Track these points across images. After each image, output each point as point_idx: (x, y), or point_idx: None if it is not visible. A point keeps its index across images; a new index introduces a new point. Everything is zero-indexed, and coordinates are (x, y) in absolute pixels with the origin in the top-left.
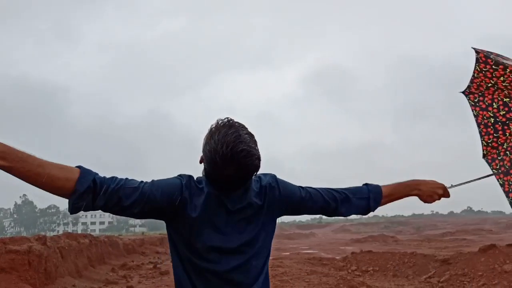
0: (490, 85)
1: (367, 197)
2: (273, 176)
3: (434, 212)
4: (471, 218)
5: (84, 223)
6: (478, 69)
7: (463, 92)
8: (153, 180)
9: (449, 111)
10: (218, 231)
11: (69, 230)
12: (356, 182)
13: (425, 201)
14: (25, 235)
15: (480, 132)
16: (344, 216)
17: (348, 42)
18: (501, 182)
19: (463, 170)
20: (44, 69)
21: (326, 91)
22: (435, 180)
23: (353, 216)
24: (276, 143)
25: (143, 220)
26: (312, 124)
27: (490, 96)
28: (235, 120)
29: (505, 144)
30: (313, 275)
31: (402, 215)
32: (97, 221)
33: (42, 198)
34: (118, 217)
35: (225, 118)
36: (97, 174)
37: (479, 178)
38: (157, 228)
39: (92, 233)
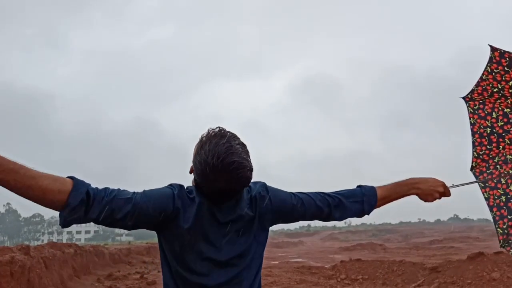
0: (495, 90)
1: (361, 201)
2: (263, 185)
3: (421, 220)
4: (458, 225)
5: (69, 232)
6: (489, 70)
7: (463, 98)
8: (144, 191)
9: (433, 119)
10: (209, 243)
11: (54, 239)
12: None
13: (425, 201)
14: (9, 244)
15: (473, 142)
16: (338, 221)
17: (335, 52)
18: (486, 196)
19: (449, 178)
20: (31, 76)
21: (313, 100)
22: (435, 178)
23: (341, 224)
24: (263, 151)
25: None
26: (299, 133)
27: (491, 105)
28: (227, 129)
29: (496, 158)
30: (302, 284)
31: (390, 223)
32: (82, 230)
33: (26, 207)
34: (104, 226)
35: (216, 128)
36: (89, 185)
37: (481, 181)
38: (143, 237)
39: (77, 243)
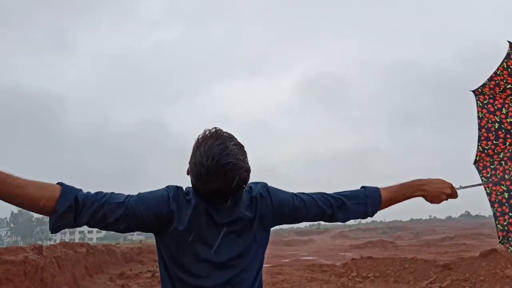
0: (509, 86)
1: (364, 203)
2: (264, 185)
3: (432, 217)
4: (469, 222)
5: (81, 232)
6: (505, 66)
7: (473, 91)
8: (139, 193)
9: (441, 115)
10: (206, 245)
11: (66, 239)
12: (351, 188)
13: (431, 202)
14: (22, 244)
15: (479, 136)
16: (341, 222)
17: (341, 50)
18: (489, 191)
19: (457, 176)
20: (40, 79)
21: (319, 99)
22: (442, 179)
23: (351, 222)
24: (271, 151)
25: None
26: (306, 131)
27: (501, 100)
28: (224, 130)
29: (501, 153)
30: (313, 282)
31: (400, 220)
32: (94, 230)
33: None
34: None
35: (212, 128)
36: (80, 190)
37: (488, 182)
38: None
39: (89, 242)
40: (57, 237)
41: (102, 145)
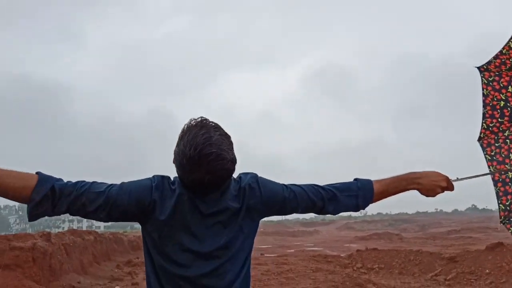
0: None
1: (356, 195)
2: (254, 176)
3: (438, 210)
4: (476, 215)
5: (89, 220)
6: (511, 45)
7: (478, 68)
8: (122, 183)
9: (448, 108)
10: (191, 235)
11: (74, 227)
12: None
13: (426, 196)
14: (31, 231)
15: (484, 114)
16: (332, 214)
17: (349, 42)
18: (492, 170)
19: (463, 168)
20: (48, 69)
21: (326, 91)
22: (437, 171)
23: (356, 213)
24: (278, 143)
25: None
26: (313, 123)
27: (507, 78)
28: (210, 119)
29: (507, 131)
30: (318, 273)
31: (406, 213)
32: None
33: None
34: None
35: (198, 118)
36: (59, 180)
37: (485, 174)
38: None
39: (97, 230)
40: (65, 225)
41: (108, 135)
